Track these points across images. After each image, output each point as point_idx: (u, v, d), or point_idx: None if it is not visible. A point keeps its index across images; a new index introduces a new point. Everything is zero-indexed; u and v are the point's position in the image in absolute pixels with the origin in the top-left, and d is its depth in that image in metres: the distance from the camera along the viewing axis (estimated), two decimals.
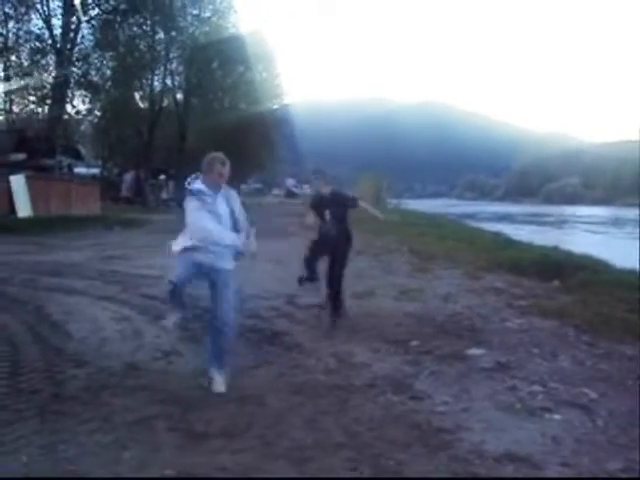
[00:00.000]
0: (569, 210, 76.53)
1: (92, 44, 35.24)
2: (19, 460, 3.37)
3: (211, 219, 4.49)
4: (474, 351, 5.78)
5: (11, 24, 32.70)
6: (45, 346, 5.71)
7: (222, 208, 4.63)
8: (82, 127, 43.18)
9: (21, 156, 26.61)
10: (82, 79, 34.80)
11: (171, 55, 41.57)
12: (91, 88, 35.70)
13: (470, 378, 5.01)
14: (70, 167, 33.38)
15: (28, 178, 22.48)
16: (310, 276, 7.26)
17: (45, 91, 33.82)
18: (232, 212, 4.70)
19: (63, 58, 31.06)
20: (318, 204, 7.20)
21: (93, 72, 36.07)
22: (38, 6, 31.95)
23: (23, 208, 21.66)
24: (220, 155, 4.75)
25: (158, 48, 39.79)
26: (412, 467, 3.38)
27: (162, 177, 49.57)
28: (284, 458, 3.46)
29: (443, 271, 11.18)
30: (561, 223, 48.28)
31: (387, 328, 6.71)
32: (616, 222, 44.05)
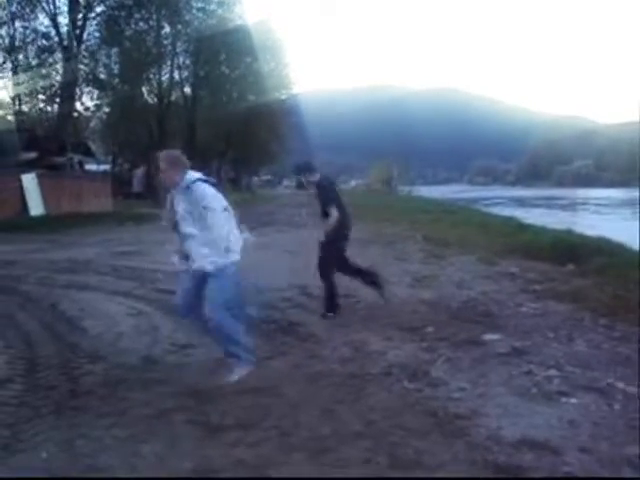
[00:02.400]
0: (582, 193, 75.96)
1: (98, 41, 35.31)
2: (39, 456, 3.39)
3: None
4: (490, 336, 5.75)
5: (18, 23, 32.79)
6: (61, 342, 5.74)
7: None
8: (92, 124, 43.27)
9: (32, 155, 26.74)
10: (90, 76, 34.88)
11: (178, 49, 41.47)
12: (99, 84, 35.78)
13: (486, 364, 4.99)
14: (81, 164, 33.53)
15: (39, 176, 22.61)
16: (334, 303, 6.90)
17: (54, 89, 33.94)
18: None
19: (70, 55, 31.10)
20: (332, 189, 7.01)
21: (100, 68, 36.13)
22: (44, 4, 32.02)
23: (35, 206, 21.79)
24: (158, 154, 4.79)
25: (164, 42, 39.70)
26: (429, 455, 3.36)
27: None
28: (301, 449, 3.46)
29: (457, 257, 11.14)
30: (574, 206, 47.93)
31: (402, 315, 6.70)
32: (631, 204, 43.59)
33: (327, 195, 6.84)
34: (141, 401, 4.22)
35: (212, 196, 4.58)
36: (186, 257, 4.81)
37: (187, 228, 4.67)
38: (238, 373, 4.67)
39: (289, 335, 5.99)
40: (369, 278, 7.31)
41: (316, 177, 6.96)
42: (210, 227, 4.50)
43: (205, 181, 4.69)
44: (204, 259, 4.59)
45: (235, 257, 4.63)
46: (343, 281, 7.87)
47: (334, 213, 6.66)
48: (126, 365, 5.06)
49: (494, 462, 3.28)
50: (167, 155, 4.73)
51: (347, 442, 3.54)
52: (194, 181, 4.61)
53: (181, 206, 4.66)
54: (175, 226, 4.82)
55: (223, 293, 4.62)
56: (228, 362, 4.73)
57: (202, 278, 4.66)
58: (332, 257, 6.86)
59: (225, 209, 4.62)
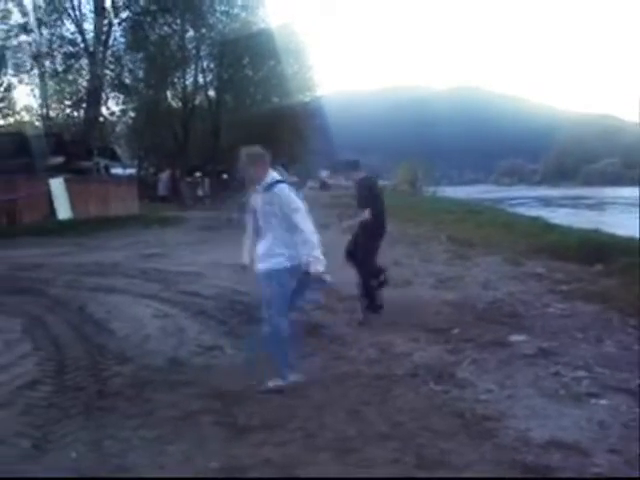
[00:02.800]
0: (610, 192, 74.89)
1: (124, 46, 35.70)
2: (68, 456, 3.44)
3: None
4: (516, 337, 5.70)
5: (44, 30, 33.25)
6: (89, 345, 5.80)
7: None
8: (117, 128, 43.73)
9: (59, 159, 27.06)
10: (115, 81, 35.30)
11: (202, 53, 41.75)
12: (124, 89, 36.18)
13: (513, 365, 4.95)
14: (107, 168, 33.86)
15: (67, 181, 22.86)
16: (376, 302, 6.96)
17: (80, 94, 34.37)
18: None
19: (96, 61, 31.47)
20: (372, 189, 7.10)
21: (126, 74, 36.53)
22: (70, 11, 32.46)
23: (63, 210, 22.04)
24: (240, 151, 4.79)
25: (189, 46, 40.02)
26: (457, 456, 3.35)
27: (197, 174, 49.97)
28: (327, 449, 3.46)
29: (482, 258, 11.05)
30: (602, 205, 47.30)
31: (427, 317, 6.67)
32: None
33: (364, 195, 6.93)
34: (168, 402, 4.25)
35: (297, 198, 4.57)
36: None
37: (268, 228, 4.61)
38: (273, 383, 4.58)
39: (314, 337, 5.99)
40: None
41: (359, 176, 7.08)
42: (297, 228, 4.46)
43: (285, 182, 4.65)
44: (279, 258, 4.54)
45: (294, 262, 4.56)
46: None
47: (364, 215, 6.76)
48: (153, 367, 5.11)
49: (522, 462, 3.25)
50: (249, 152, 4.68)
51: (373, 443, 3.53)
52: (276, 182, 4.56)
53: (260, 204, 4.61)
54: (255, 225, 4.79)
55: (282, 297, 4.58)
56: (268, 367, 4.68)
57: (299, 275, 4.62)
58: (370, 258, 6.93)
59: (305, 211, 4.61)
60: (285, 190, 4.54)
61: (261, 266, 4.61)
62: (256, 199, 4.67)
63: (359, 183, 7.04)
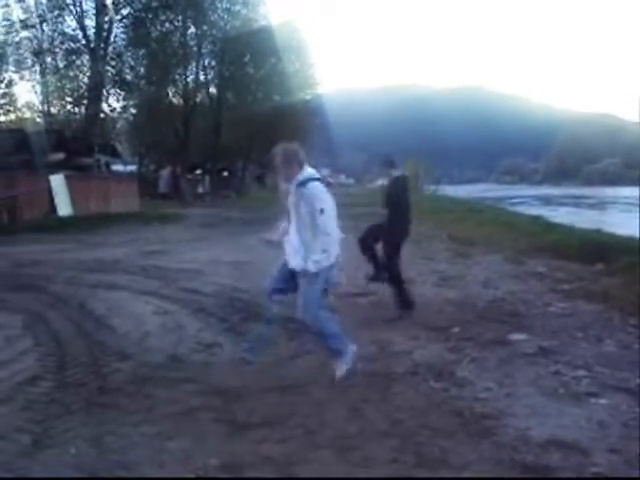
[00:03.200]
0: (611, 191, 74.85)
1: (125, 43, 35.65)
2: (68, 452, 3.44)
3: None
4: (516, 336, 5.70)
5: (45, 26, 33.22)
6: (89, 341, 5.80)
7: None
8: (118, 125, 43.71)
9: (60, 156, 27.06)
10: (116, 78, 35.24)
11: (203, 50, 41.76)
12: (125, 86, 36.14)
13: (513, 364, 4.95)
14: (108, 165, 33.89)
15: (67, 177, 22.84)
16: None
17: (81, 91, 34.34)
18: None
19: (97, 58, 31.44)
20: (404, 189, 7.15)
21: (127, 70, 36.49)
22: (71, 7, 32.41)
23: (63, 207, 22.04)
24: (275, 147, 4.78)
25: (190, 43, 40.03)
26: (456, 454, 3.35)
27: (198, 172, 49.97)
28: (328, 447, 3.46)
29: (483, 257, 11.06)
30: (603, 205, 47.26)
31: (427, 315, 6.67)
32: None
33: (391, 195, 6.97)
34: (168, 399, 4.25)
35: (326, 198, 4.54)
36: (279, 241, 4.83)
37: (295, 225, 4.64)
38: (342, 368, 4.64)
39: (314, 334, 5.98)
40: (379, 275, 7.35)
41: (393, 175, 7.09)
42: (323, 230, 4.44)
43: (318, 180, 4.63)
44: (303, 258, 4.54)
45: (329, 262, 4.57)
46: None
47: (385, 212, 6.87)
48: (153, 363, 5.11)
49: (521, 462, 3.25)
50: (284, 150, 4.67)
51: (373, 441, 3.53)
52: (309, 179, 4.54)
53: (292, 200, 4.62)
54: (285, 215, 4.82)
55: (316, 294, 4.60)
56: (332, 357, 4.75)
57: (293, 273, 4.66)
58: (395, 256, 6.93)
59: (333, 211, 4.59)
60: (315, 189, 4.52)
61: (292, 263, 4.66)
62: (290, 195, 4.66)
63: (394, 181, 7.05)
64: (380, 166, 7.36)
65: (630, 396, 4.18)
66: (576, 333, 5.81)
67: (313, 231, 4.49)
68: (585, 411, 3.94)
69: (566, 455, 3.33)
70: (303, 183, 4.52)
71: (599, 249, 10.29)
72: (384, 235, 6.94)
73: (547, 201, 52.83)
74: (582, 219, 23.89)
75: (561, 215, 27.66)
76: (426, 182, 58.27)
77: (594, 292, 7.51)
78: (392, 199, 6.90)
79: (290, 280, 4.71)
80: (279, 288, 4.89)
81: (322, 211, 4.43)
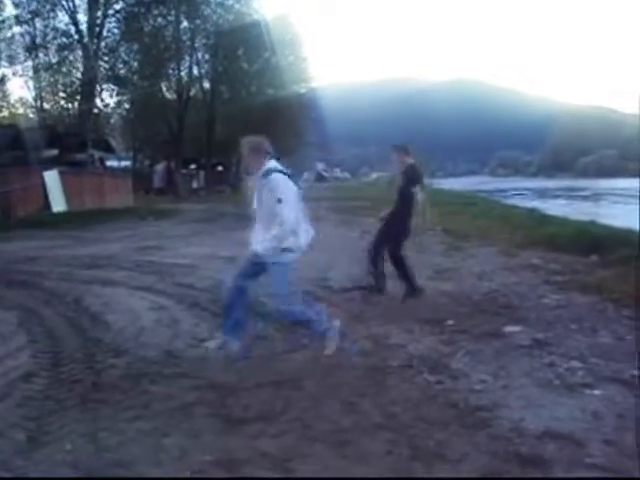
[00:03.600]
0: (606, 183, 74.92)
1: (118, 37, 35.49)
2: (63, 448, 3.44)
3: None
4: (511, 328, 5.71)
5: (38, 22, 33.03)
6: (84, 337, 5.79)
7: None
8: (112, 120, 43.57)
9: (54, 152, 27.00)
10: (109, 73, 35.10)
11: (196, 44, 41.62)
12: (119, 81, 36.00)
13: (507, 356, 4.96)
14: (102, 160, 33.80)
15: (61, 173, 22.80)
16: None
17: (74, 86, 34.19)
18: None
19: (90, 53, 31.30)
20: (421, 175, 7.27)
21: (120, 65, 36.33)
22: (64, 2, 32.22)
23: (58, 203, 21.99)
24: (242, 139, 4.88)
25: (183, 38, 39.90)
26: (451, 447, 3.36)
27: (192, 167, 49.91)
28: (323, 441, 3.47)
29: (478, 249, 11.08)
30: (598, 196, 47.33)
31: (422, 308, 6.68)
32: None
33: (415, 179, 7.14)
34: (163, 394, 4.25)
35: (286, 188, 4.63)
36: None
37: (258, 215, 4.77)
38: (331, 345, 4.93)
39: (309, 329, 5.98)
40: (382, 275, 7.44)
41: (409, 161, 7.26)
42: (279, 219, 4.54)
43: (282, 172, 4.72)
44: (265, 246, 4.64)
45: (295, 253, 4.75)
46: (360, 274, 7.89)
47: (420, 195, 7.06)
48: (148, 359, 5.10)
49: (516, 453, 3.26)
50: (250, 141, 4.81)
51: (368, 434, 3.54)
52: (272, 171, 4.65)
53: (256, 192, 4.74)
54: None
55: (285, 282, 4.78)
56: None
57: (260, 265, 4.74)
58: (400, 243, 7.16)
59: (297, 202, 4.72)
60: (276, 179, 4.62)
61: (254, 249, 4.78)
62: (254, 186, 4.77)
63: (412, 168, 7.21)
64: (396, 153, 7.43)
65: (624, 387, 4.20)
66: (570, 325, 5.82)
67: (272, 220, 4.60)
68: (580, 402, 3.96)
69: (561, 446, 3.34)
70: (266, 173, 4.64)
71: (593, 241, 10.30)
72: (392, 233, 7.03)
73: (542, 193, 52.88)
74: (576, 211, 23.93)
75: (555, 207, 27.69)
76: None
77: (588, 284, 7.53)
78: (406, 190, 7.04)
79: (254, 273, 4.89)
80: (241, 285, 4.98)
81: (280, 200, 4.52)
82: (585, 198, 45.33)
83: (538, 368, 4.64)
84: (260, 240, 4.68)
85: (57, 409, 4.00)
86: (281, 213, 4.53)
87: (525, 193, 53.55)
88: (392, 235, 7.17)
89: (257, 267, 4.79)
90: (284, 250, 4.63)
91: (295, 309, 4.94)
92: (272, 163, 4.74)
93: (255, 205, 4.81)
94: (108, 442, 3.50)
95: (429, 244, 12.07)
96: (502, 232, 13.44)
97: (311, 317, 4.95)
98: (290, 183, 4.70)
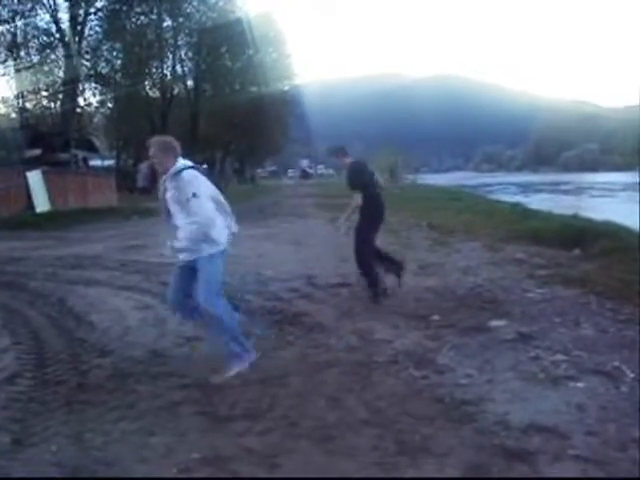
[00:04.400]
0: (588, 177, 75.56)
1: (100, 36, 35.28)
2: (49, 449, 3.42)
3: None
4: (496, 323, 5.75)
5: (18, 20, 32.73)
6: (69, 337, 5.76)
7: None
8: (95, 119, 43.32)
9: (36, 152, 26.83)
10: (92, 71, 34.90)
11: (179, 42, 41.54)
12: (101, 80, 35.80)
13: (492, 350, 5.00)
14: (85, 160, 33.62)
15: (44, 173, 22.63)
16: (377, 283, 6.93)
17: (56, 86, 33.96)
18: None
19: (72, 51, 31.08)
20: (364, 172, 7.05)
21: (102, 64, 36.15)
22: (44, 1, 31.97)
23: (41, 203, 21.83)
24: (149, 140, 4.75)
25: (166, 36, 39.75)
26: (437, 441, 3.38)
27: None
28: (309, 437, 3.48)
29: (462, 244, 11.14)
30: (580, 190, 47.71)
31: (407, 303, 6.71)
32: (635, 188, 43.22)
33: (356, 179, 6.94)
34: (149, 394, 4.24)
35: (199, 183, 4.51)
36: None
37: (175, 216, 4.60)
38: (236, 368, 4.59)
39: (295, 325, 5.99)
40: (393, 265, 7.34)
41: (348, 160, 7.10)
42: (194, 214, 4.40)
43: (195, 168, 4.61)
44: (189, 249, 4.51)
45: (219, 247, 4.57)
46: (347, 271, 7.91)
47: (357, 198, 6.79)
48: (134, 359, 5.08)
49: (502, 446, 3.29)
50: (158, 141, 4.66)
51: (354, 430, 3.55)
52: (184, 168, 4.53)
53: (169, 193, 4.58)
54: (167, 215, 4.75)
55: (213, 282, 4.54)
56: (227, 356, 4.68)
57: (191, 270, 4.59)
58: (367, 242, 6.93)
59: (212, 198, 4.60)
60: (189, 175, 4.49)
61: (180, 256, 4.63)
62: (165, 186, 4.64)
63: (350, 167, 7.06)
64: (334, 154, 7.30)
65: (607, 379, 4.24)
66: (554, 318, 5.87)
67: (185, 219, 4.47)
68: (564, 395, 3.99)
69: (546, 439, 3.38)
70: (179, 172, 4.51)
71: (576, 234, 10.40)
72: (358, 222, 6.92)
73: (525, 188, 53.21)
74: (560, 205, 24.09)
75: (539, 201, 27.88)
76: (405, 171, 58.42)
77: (572, 277, 7.60)
78: (359, 184, 6.87)
79: (189, 281, 4.68)
80: (180, 298, 4.84)
81: (195, 195, 4.40)
82: (568, 192, 45.62)
83: (523, 362, 4.67)
84: (188, 244, 4.49)
85: (42, 410, 3.98)
86: (198, 206, 4.39)
87: (509, 188, 53.85)
88: (358, 234, 6.98)
89: (187, 271, 4.63)
90: (206, 242, 4.48)
91: (222, 313, 4.58)
92: (182, 162, 4.61)
93: (170, 209, 4.63)
94: (94, 442, 3.49)
95: (414, 240, 12.13)
96: (486, 227, 13.52)
97: (234, 329, 4.68)
98: (203, 178, 4.59)
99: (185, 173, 4.50)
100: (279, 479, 3.08)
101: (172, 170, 4.55)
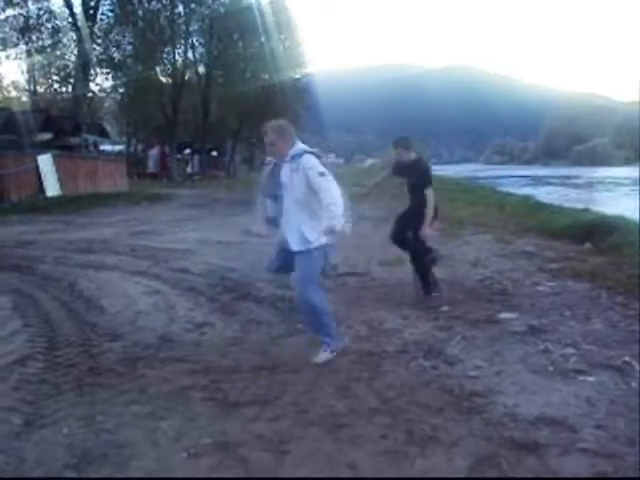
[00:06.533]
0: (600, 171, 75.02)
1: (112, 21, 35.24)
2: (60, 431, 3.45)
3: None
4: (506, 315, 5.74)
5: (31, 4, 32.71)
6: (80, 321, 5.79)
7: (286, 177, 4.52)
8: (106, 104, 43.36)
9: (47, 136, 26.85)
10: (103, 56, 34.88)
11: (191, 28, 41.38)
12: (113, 65, 35.78)
13: (502, 342, 4.99)
14: (96, 144, 33.62)
15: (55, 157, 22.67)
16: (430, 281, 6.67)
17: (68, 70, 33.97)
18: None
19: (84, 36, 31.04)
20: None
21: (114, 49, 36.11)
22: None
23: (52, 187, 21.90)
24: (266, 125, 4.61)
25: (178, 22, 39.61)
26: (446, 431, 3.38)
27: (187, 151, 49.72)
28: (318, 425, 3.49)
29: (472, 236, 11.09)
30: (592, 184, 47.37)
31: (417, 294, 6.69)
32: None
33: (430, 176, 6.62)
34: (159, 378, 4.26)
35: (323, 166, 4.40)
36: (274, 224, 4.73)
37: (291, 199, 4.49)
38: (325, 356, 4.58)
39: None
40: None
41: (414, 155, 6.68)
42: (325, 191, 4.24)
43: (312, 153, 4.49)
44: (300, 236, 4.43)
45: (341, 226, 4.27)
46: (356, 260, 7.91)
47: (431, 196, 6.47)
48: (144, 343, 5.11)
49: (510, 438, 3.29)
50: (275, 125, 4.54)
51: (364, 418, 3.56)
52: (304, 152, 4.43)
53: (287, 177, 4.48)
54: (269, 195, 4.72)
55: (313, 272, 4.51)
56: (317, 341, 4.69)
57: (291, 253, 4.52)
58: (423, 243, 6.68)
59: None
60: (311, 160, 4.39)
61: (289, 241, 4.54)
62: (284, 171, 4.54)
63: (422, 163, 6.68)
64: (398, 145, 6.71)
65: (617, 373, 4.23)
66: (564, 311, 5.86)
67: (306, 205, 4.41)
68: (573, 388, 3.99)
69: (554, 431, 3.37)
70: (298, 155, 4.42)
71: (587, 228, 10.33)
72: (415, 221, 6.57)
73: (537, 181, 52.90)
74: (571, 198, 23.96)
75: (550, 195, 27.72)
76: None
77: (582, 271, 7.56)
78: (430, 179, 6.54)
79: (289, 259, 4.57)
80: (280, 266, 4.82)
81: (322, 174, 4.30)
82: (579, 186, 45.32)
83: (532, 354, 4.67)
84: (309, 228, 4.39)
85: (53, 393, 4.01)
86: (328, 187, 4.26)
87: (520, 180, 53.56)
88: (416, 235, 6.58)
89: (289, 255, 4.54)
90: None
91: (321, 304, 4.58)
92: (301, 145, 4.51)
93: (285, 193, 4.53)
94: (104, 425, 3.51)
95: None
96: (497, 219, 13.48)
97: (330, 317, 4.69)
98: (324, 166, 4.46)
99: (306, 158, 4.40)
100: (290, 479, 3.09)
101: (291, 153, 4.47)
